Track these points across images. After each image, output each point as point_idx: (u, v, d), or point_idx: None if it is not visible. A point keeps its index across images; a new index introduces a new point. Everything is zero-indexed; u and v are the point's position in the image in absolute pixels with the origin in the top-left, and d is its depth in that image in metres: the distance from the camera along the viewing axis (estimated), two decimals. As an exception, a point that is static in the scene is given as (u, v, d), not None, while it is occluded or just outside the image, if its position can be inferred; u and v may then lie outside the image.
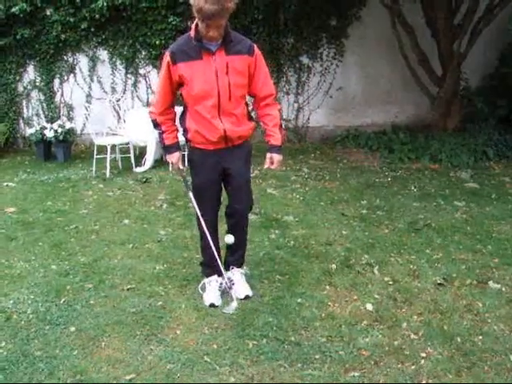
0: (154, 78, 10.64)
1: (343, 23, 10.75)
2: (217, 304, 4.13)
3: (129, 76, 10.95)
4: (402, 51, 9.65)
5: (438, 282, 4.54)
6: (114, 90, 10.94)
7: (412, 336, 3.75)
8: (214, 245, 4.14)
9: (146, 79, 10.90)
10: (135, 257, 5.23)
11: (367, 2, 10.53)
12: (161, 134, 4.05)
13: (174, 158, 4.10)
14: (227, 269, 4.37)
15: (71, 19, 10.21)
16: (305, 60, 10.98)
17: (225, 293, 4.25)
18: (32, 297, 4.40)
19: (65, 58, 10.83)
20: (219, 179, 4.08)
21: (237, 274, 4.35)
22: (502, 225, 5.96)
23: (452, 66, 9.58)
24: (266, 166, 4.12)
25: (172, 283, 4.58)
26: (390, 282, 4.56)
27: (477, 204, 6.72)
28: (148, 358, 3.53)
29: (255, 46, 3.90)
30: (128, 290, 4.51)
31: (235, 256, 4.38)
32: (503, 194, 7.17)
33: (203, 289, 4.30)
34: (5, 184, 8.18)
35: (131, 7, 10.13)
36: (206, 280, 4.33)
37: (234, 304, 4.03)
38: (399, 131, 10.27)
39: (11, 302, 4.32)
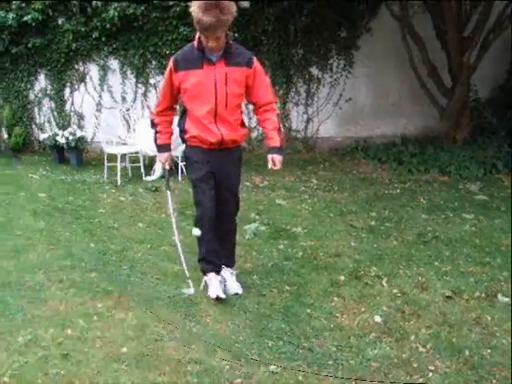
0: None
1: (353, 35, 10.77)
2: (221, 296, 4.25)
3: (139, 86, 10.98)
4: (412, 63, 9.66)
5: (447, 294, 4.53)
6: (124, 99, 11.00)
7: (420, 349, 3.75)
8: (212, 239, 4.35)
9: (156, 89, 10.82)
10: (155, 255, 5.50)
11: (377, 13, 10.54)
12: (155, 133, 4.35)
13: (163, 157, 4.43)
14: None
15: (82, 28, 10.33)
16: (314, 71, 10.99)
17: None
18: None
19: (76, 66, 10.93)
20: (213, 175, 4.26)
21: (227, 273, 4.52)
22: (510, 238, 5.93)
23: (461, 78, 9.57)
24: (269, 167, 4.28)
25: (193, 282, 4.63)
26: (399, 294, 4.57)
27: (486, 216, 6.68)
28: (193, 331, 3.92)
29: (254, 58, 4.11)
30: (157, 279, 4.85)
31: (226, 256, 4.57)
32: (512, 206, 7.15)
33: (206, 286, 4.46)
34: (30, 175, 9.05)
35: (142, 17, 10.21)
36: (205, 277, 4.48)
37: (192, 290, 4.47)
38: (408, 143, 10.25)
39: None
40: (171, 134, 4.42)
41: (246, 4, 9.52)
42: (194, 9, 3.68)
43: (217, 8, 3.61)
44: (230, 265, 4.62)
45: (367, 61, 10.83)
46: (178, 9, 9.89)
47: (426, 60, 9.72)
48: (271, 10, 10.11)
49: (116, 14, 9.95)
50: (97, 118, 11.01)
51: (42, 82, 11.06)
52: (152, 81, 10.91)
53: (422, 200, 7.48)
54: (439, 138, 10.25)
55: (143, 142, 8.83)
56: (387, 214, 6.82)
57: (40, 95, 11.13)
